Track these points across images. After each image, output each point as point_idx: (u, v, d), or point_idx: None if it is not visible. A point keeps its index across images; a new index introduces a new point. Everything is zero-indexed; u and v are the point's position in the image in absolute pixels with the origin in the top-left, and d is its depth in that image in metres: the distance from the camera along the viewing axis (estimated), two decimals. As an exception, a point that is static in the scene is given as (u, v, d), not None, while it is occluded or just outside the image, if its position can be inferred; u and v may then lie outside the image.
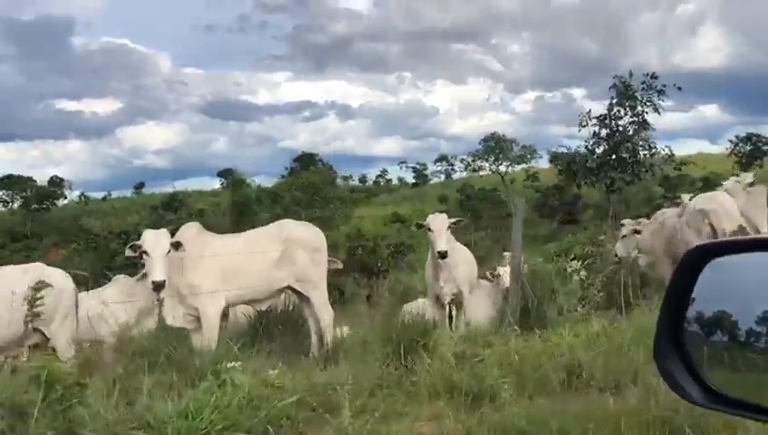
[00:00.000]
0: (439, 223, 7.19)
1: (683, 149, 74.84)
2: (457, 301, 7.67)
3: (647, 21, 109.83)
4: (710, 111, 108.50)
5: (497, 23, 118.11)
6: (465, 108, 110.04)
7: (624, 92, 12.51)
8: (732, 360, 1.23)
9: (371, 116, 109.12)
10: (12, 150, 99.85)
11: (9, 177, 53.19)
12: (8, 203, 53.50)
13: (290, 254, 6.36)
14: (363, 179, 61.04)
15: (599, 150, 12.49)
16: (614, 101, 12.76)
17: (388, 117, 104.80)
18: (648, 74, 12.50)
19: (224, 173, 59.92)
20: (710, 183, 21.47)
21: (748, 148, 39.66)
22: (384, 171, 65.55)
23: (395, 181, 64.08)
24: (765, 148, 39.33)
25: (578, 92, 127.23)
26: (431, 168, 58.18)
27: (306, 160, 64.74)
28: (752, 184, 11.09)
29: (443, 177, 56.74)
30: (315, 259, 6.51)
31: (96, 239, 45.36)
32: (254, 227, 7.85)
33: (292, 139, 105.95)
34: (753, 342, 1.18)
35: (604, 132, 12.40)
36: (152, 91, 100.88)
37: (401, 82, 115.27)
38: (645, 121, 12.14)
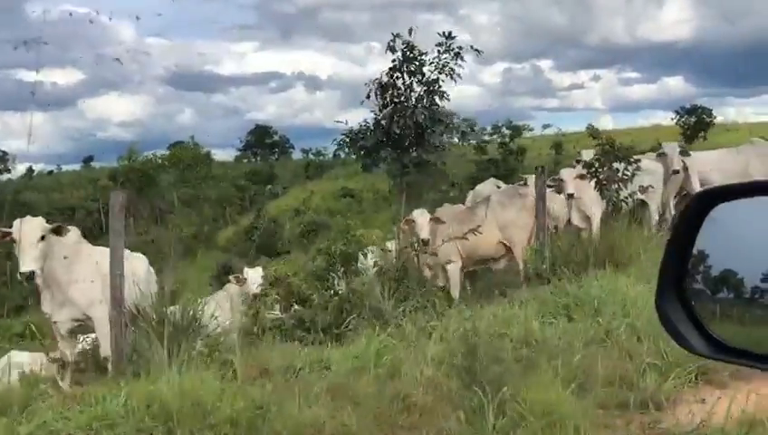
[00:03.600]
0: (26, 233, 5.31)
1: (647, 120, 73.82)
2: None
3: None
4: (675, 83, 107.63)
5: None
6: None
7: (407, 55, 10.49)
8: (737, 315, 1.22)
9: (340, 87, 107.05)
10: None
11: (-51, 151, 51.62)
12: (-51, 178, 51.94)
13: None
14: (318, 153, 59.61)
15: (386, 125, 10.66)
16: (394, 65, 10.70)
17: (357, 88, 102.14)
18: (443, 33, 10.66)
19: (176, 145, 58.41)
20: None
21: (693, 120, 38.85)
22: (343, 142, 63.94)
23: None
24: (709, 120, 38.56)
25: (546, 64, 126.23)
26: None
27: (261, 133, 63.41)
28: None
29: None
30: None
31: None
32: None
33: (258, 110, 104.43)
34: (758, 298, 1.18)
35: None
36: (115, 62, 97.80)
37: (369, 53, 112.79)
38: (436, 91, 10.25)
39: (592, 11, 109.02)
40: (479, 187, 10.57)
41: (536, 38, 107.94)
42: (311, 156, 63.36)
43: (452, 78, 10.74)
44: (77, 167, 62.59)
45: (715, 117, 38.94)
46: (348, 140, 10.01)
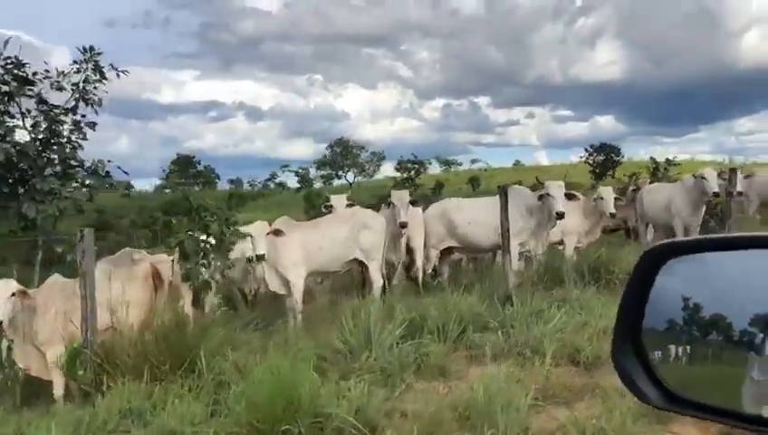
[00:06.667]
0: None
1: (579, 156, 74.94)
2: None
3: (549, 33, 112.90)
4: (605, 122, 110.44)
5: (406, 29, 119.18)
6: (376, 113, 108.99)
7: (14, 73, 7.93)
8: (697, 359, 1.23)
9: (282, 118, 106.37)
10: None
11: None
12: None
13: None
14: (239, 183, 58.67)
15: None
16: None
17: (299, 119, 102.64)
18: (83, 48, 8.03)
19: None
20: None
21: (602, 158, 38.94)
22: (273, 175, 62.71)
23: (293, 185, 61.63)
24: (617, 159, 38.69)
25: (483, 100, 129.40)
26: (315, 172, 56.39)
27: (184, 163, 61.32)
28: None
29: (322, 182, 54.68)
30: None
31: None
32: None
33: (198, 139, 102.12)
34: (714, 340, 1.19)
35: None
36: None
37: (312, 85, 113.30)
38: (60, 121, 7.68)
39: (528, 51, 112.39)
40: None
41: (474, 75, 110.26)
42: (247, 185, 61.86)
43: (88, 104, 8.00)
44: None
45: (622, 156, 39.05)
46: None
